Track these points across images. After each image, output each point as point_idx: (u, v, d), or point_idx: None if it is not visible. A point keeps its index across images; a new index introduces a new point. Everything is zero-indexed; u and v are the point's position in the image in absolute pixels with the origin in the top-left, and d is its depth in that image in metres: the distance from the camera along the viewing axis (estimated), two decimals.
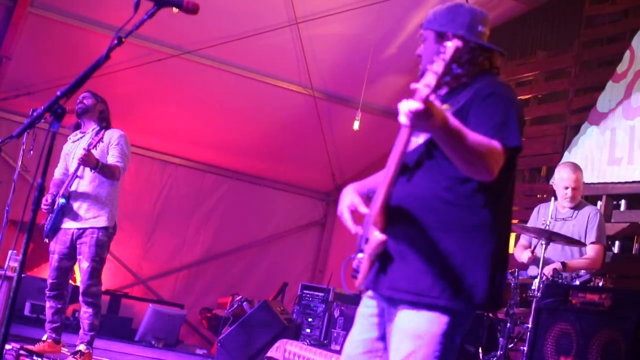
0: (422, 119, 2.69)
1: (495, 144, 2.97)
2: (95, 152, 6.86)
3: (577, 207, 6.83)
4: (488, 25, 3.35)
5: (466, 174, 3.01)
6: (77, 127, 7.36)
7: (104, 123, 7.22)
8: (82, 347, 6.89)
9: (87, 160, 6.70)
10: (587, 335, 5.16)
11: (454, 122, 2.84)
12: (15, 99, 9.91)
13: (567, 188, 6.83)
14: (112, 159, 6.98)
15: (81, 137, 7.24)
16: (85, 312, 6.93)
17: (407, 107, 2.67)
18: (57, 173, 7.34)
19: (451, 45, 2.73)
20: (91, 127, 7.22)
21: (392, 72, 10.25)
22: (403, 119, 2.71)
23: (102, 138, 6.87)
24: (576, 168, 6.97)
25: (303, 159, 11.82)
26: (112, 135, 7.09)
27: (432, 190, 3.09)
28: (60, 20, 9.51)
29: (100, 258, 6.93)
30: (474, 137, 2.90)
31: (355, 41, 10.02)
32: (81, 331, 6.95)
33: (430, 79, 2.67)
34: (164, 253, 11.64)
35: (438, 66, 2.69)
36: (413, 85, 2.70)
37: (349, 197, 3.30)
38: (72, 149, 7.25)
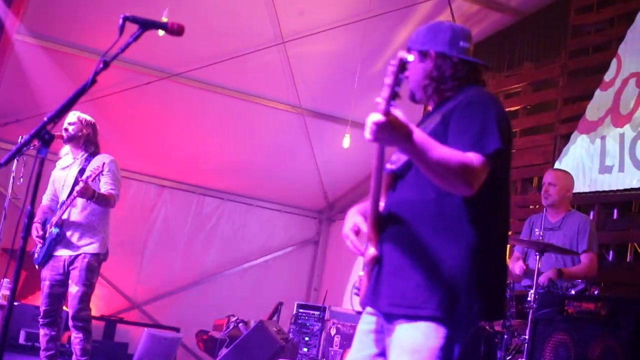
0: (384, 131, 2.76)
1: (472, 157, 2.97)
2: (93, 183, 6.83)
3: (566, 216, 6.82)
4: (470, 40, 3.39)
5: (443, 189, 3.02)
6: (66, 153, 7.33)
7: (92, 148, 7.18)
8: None
9: (85, 192, 6.67)
10: (584, 344, 5.15)
11: (420, 136, 2.88)
12: (4, 126, 9.89)
13: (544, 184, 6.86)
14: (105, 186, 6.93)
15: (70, 164, 7.21)
16: (75, 338, 6.84)
17: (370, 120, 2.75)
18: (45, 199, 7.28)
19: (397, 59, 2.79)
20: (80, 154, 7.18)
21: (380, 88, 10.22)
22: (367, 134, 2.79)
23: (102, 171, 6.80)
24: (559, 169, 7.00)
25: (294, 177, 11.80)
26: (102, 161, 7.05)
27: (422, 202, 3.10)
28: (48, 46, 9.52)
29: (90, 282, 6.88)
30: (444, 151, 2.93)
31: (342, 58, 10.04)
32: (74, 357, 6.89)
33: (384, 91, 2.75)
34: (158, 277, 11.59)
35: (389, 78, 2.77)
36: (376, 99, 2.76)
37: (352, 219, 3.31)
38: (62, 176, 7.21)
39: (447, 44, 3.31)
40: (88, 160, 7.06)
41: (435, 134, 3.07)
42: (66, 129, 7.10)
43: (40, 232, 6.96)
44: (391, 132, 2.77)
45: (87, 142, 7.16)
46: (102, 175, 6.90)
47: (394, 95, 2.75)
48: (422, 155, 2.88)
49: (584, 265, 6.58)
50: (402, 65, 2.78)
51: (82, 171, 6.97)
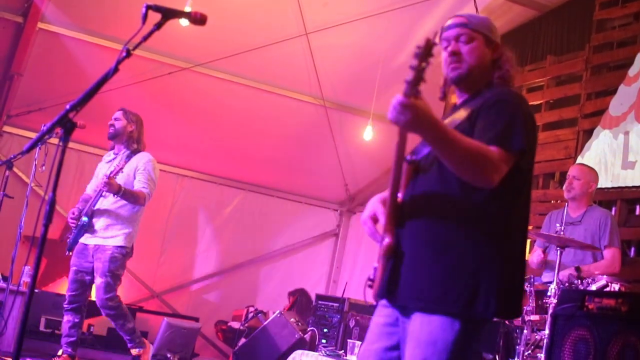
0: (408, 112, 2.76)
1: (494, 149, 2.98)
2: (120, 177, 7.00)
3: (587, 211, 6.79)
4: None
5: (464, 180, 3.00)
6: (112, 147, 7.48)
7: (134, 145, 7.32)
8: (134, 352, 7.17)
9: (109, 186, 6.84)
10: (605, 340, 5.11)
11: (442, 124, 2.88)
12: (27, 115, 9.95)
13: (568, 177, 6.84)
14: (138, 184, 7.13)
15: (113, 159, 7.36)
16: (115, 325, 7.12)
17: (395, 99, 2.76)
18: (88, 189, 7.51)
19: (424, 41, 2.81)
20: (122, 150, 7.34)
21: (402, 81, 10.22)
22: (390, 113, 2.80)
23: (122, 168, 6.96)
24: (582, 164, 6.99)
25: (315, 169, 11.81)
26: (140, 160, 7.24)
27: (445, 197, 3.09)
28: (71, 35, 9.56)
29: (113, 273, 7.01)
30: (466, 141, 2.93)
31: (365, 51, 10.02)
32: (127, 341, 7.16)
33: (409, 75, 2.75)
34: (178, 266, 11.62)
35: (414, 62, 2.77)
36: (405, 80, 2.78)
37: (372, 207, 3.29)
38: (104, 169, 7.36)
39: (498, 38, 3.36)
40: (129, 157, 7.22)
41: (461, 130, 3.06)
42: (111, 125, 7.27)
43: (75, 215, 7.13)
44: (415, 115, 2.78)
45: (130, 139, 7.30)
46: (137, 173, 7.04)
47: (418, 80, 2.74)
48: (443, 144, 2.88)
49: (605, 261, 6.55)
50: (429, 49, 2.75)
51: (113, 171, 7.13)
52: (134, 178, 7.15)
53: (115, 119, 7.32)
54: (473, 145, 2.94)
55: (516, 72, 3.41)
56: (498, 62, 3.31)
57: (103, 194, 7.10)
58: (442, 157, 2.96)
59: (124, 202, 7.12)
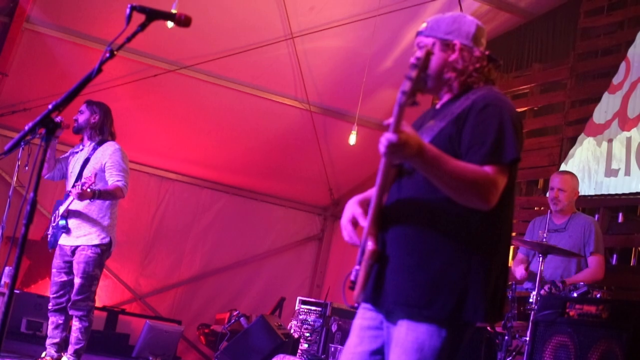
0: (397, 153, 2.74)
1: (489, 170, 2.96)
2: (87, 171, 6.89)
3: (571, 218, 6.81)
4: (485, 38, 3.36)
5: (461, 203, 2.99)
6: (82, 139, 7.33)
7: (99, 137, 7.17)
8: (64, 359, 6.92)
9: (82, 197, 6.71)
10: (585, 347, 5.14)
11: (432, 151, 2.85)
12: (11, 115, 9.90)
13: (552, 189, 6.84)
14: (111, 179, 6.94)
15: (80, 150, 7.23)
16: (74, 325, 6.92)
17: (382, 139, 2.72)
18: (69, 187, 7.26)
19: (422, 52, 2.74)
20: (87, 142, 7.19)
21: (388, 86, 10.25)
22: (381, 149, 2.75)
23: (94, 182, 6.71)
24: (565, 172, 7.01)
25: (300, 173, 11.79)
26: (106, 151, 7.04)
27: (431, 202, 3.07)
28: (57, 36, 9.51)
29: (88, 274, 6.88)
30: (460, 169, 2.90)
31: (351, 55, 10.03)
32: (70, 345, 6.95)
33: (406, 85, 2.70)
34: (162, 269, 11.58)
35: (412, 72, 2.70)
36: (385, 122, 2.73)
37: (351, 210, 3.28)
38: (72, 161, 7.24)
39: (471, 38, 3.27)
40: (94, 149, 7.08)
41: (448, 135, 3.06)
42: (75, 119, 7.13)
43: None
44: (407, 153, 2.76)
45: (93, 132, 7.16)
46: (107, 167, 6.92)
47: (415, 90, 2.71)
48: (434, 170, 2.87)
49: (590, 270, 6.58)
50: (428, 60, 2.72)
51: (87, 160, 7.00)
52: (104, 172, 6.99)
53: (79, 112, 7.13)
54: (468, 171, 2.91)
55: (494, 70, 3.33)
56: (458, 62, 3.23)
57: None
58: (436, 184, 2.94)
59: (96, 201, 7.00)
